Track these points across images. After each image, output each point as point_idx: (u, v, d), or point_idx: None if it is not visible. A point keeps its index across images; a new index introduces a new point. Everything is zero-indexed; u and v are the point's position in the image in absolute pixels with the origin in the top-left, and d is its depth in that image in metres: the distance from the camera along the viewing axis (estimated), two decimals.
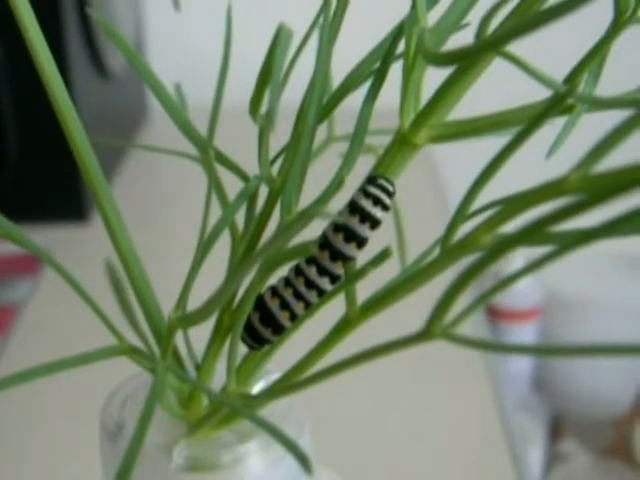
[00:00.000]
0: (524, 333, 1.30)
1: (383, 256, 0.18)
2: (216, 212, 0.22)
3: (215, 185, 0.23)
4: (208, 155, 0.21)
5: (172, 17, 1.09)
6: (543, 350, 0.14)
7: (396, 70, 0.21)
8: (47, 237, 0.78)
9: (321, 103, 0.20)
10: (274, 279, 0.22)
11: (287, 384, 0.19)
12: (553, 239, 0.15)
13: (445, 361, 0.62)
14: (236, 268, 0.21)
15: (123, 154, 0.94)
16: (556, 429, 1.36)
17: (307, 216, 0.15)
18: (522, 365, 1.32)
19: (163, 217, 0.87)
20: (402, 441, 0.53)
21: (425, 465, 0.51)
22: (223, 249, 0.23)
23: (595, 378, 1.35)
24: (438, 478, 0.51)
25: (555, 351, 0.14)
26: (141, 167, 0.94)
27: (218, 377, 0.24)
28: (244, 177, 0.22)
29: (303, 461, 0.14)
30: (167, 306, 0.23)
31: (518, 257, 1.19)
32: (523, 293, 1.27)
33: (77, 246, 0.79)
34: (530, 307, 1.29)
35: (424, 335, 0.15)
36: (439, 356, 0.62)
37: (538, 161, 0.21)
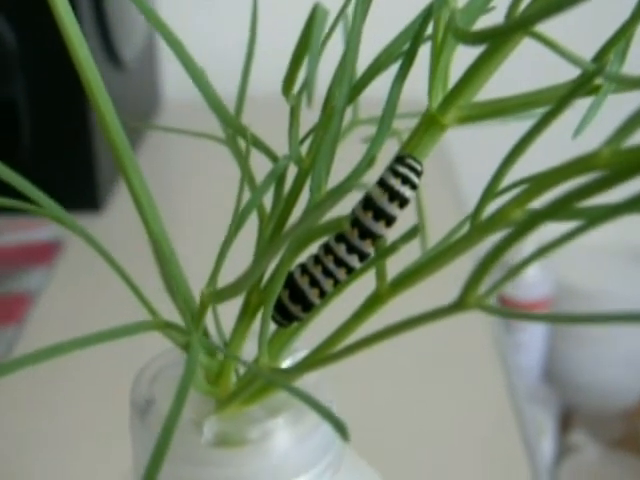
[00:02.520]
0: (536, 325, 1.31)
1: (413, 233, 0.18)
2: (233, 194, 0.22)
3: (244, 165, 0.24)
4: (242, 135, 0.22)
5: (185, 6, 1.10)
6: (560, 318, 0.14)
7: (421, 57, 0.22)
8: (60, 227, 0.79)
9: (351, 84, 0.20)
10: (302, 257, 0.22)
11: (319, 357, 0.20)
12: (581, 214, 0.15)
13: (459, 352, 0.63)
14: (268, 245, 0.21)
15: (136, 143, 0.95)
16: (566, 421, 1.36)
17: (343, 190, 0.16)
18: (533, 357, 1.33)
19: (176, 204, 0.88)
20: (418, 429, 0.54)
21: (439, 454, 0.52)
22: (246, 228, 0.24)
23: (605, 371, 1.36)
24: (453, 466, 0.52)
25: (572, 319, 0.14)
26: (153, 156, 0.94)
27: (245, 357, 0.24)
28: (273, 157, 0.22)
29: (340, 428, 0.15)
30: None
31: (529, 245, 1.20)
32: (534, 285, 1.28)
33: (92, 235, 0.79)
34: (541, 298, 1.29)
35: (459, 306, 0.16)
36: (453, 348, 0.63)
37: (561, 142, 0.22)
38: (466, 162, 0.91)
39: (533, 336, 1.32)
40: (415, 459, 0.51)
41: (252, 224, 0.23)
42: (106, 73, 0.84)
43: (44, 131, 0.79)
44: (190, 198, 0.88)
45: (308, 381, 0.23)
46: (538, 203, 0.16)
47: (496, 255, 0.15)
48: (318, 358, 0.20)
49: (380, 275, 0.19)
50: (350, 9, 0.21)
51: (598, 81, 0.18)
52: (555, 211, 0.14)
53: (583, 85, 0.16)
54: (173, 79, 1.10)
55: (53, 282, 0.71)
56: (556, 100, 0.17)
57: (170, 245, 0.22)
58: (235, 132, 0.24)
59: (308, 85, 0.17)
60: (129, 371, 0.26)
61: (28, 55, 0.76)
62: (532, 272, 1.28)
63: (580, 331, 1.35)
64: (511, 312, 0.15)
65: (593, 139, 0.21)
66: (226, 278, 0.21)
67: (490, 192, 0.17)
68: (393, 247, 0.19)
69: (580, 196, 0.14)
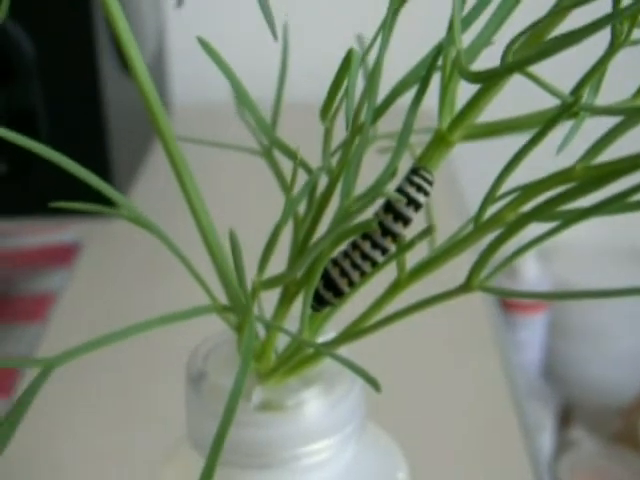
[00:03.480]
0: (535, 323, 1.33)
1: (427, 231, 0.23)
2: (263, 201, 0.26)
3: (279, 174, 0.28)
4: (279, 148, 0.26)
5: (193, 13, 1.13)
6: (561, 295, 0.19)
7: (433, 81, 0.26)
8: (79, 230, 0.83)
9: (375, 106, 0.24)
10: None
11: (352, 332, 0.24)
12: (560, 215, 0.20)
13: (461, 351, 0.66)
14: (303, 245, 0.26)
15: (147, 148, 0.98)
16: (565, 417, 1.38)
17: (371, 196, 0.20)
18: (533, 355, 1.35)
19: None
20: (419, 425, 0.56)
21: (441, 448, 0.55)
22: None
23: (603, 368, 1.38)
24: (455, 459, 0.54)
25: (571, 295, 0.18)
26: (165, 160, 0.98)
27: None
28: (308, 169, 0.27)
29: (373, 383, 0.19)
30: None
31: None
32: (533, 285, 1.30)
33: (108, 236, 0.83)
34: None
35: (465, 288, 0.20)
36: (455, 346, 0.66)
37: (548, 156, 0.26)
38: (469, 172, 0.96)
39: (533, 334, 1.34)
40: (416, 454, 0.53)
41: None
42: (119, 80, 0.87)
43: (61, 135, 0.82)
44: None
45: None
46: (528, 207, 0.21)
47: (495, 247, 0.19)
48: (352, 332, 0.24)
49: (400, 266, 0.24)
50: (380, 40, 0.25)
51: (576, 109, 0.22)
52: (539, 213, 0.18)
53: (562, 114, 0.20)
54: (180, 85, 1.14)
55: (73, 282, 0.75)
56: (543, 123, 0.21)
57: (217, 238, 0.27)
58: (272, 145, 0.29)
59: (347, 116, 0.21)
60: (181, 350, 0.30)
61: (45, 63, 0.80)
62: (532, 272, 1.30)
63: (579, 329, 1.37)
64: (510, 292, 0.20)
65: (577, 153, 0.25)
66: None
67: (490, 198, 0.22)
68: (411, 243, 0.23)
69: (558, 202, 0.18)
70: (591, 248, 1.34)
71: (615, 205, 0.17)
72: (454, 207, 0.86)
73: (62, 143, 0.83)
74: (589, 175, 0.18)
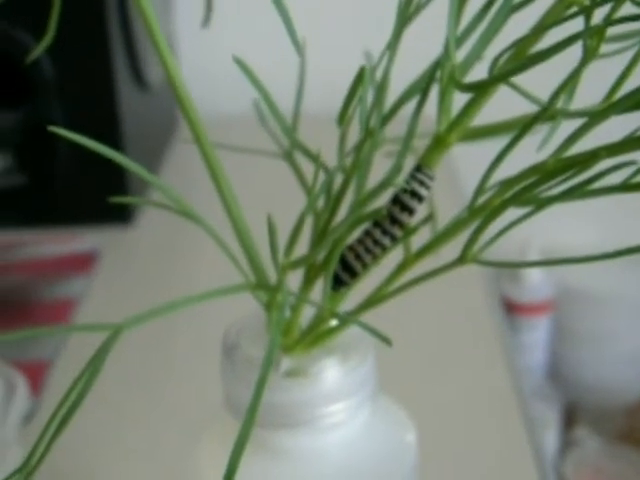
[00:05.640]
0: (540, 326, 1.37)
1: (427, 219, 0.27)
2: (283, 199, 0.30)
3: (299, 174, 0.32)
4: (301, 150, 0.30)
5: (202, 29, 1.17)
6: (553, 262, 0.23)
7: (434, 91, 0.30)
8: (97, 239, 0.87)
9: (383, 114, 0.29)
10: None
11: (369, 303, 0.29)
12: (532, 201, 0.24)
13: (468, 354, 0.69)
14: (323, 232, 0.30)
15: (160, 161, 1.03)
16: (570, 416, 1.41)
17: (381, 188, 0.24)
18: (538, 357, 1.39)
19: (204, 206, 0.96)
20: (429, 424, 0.57)
21: (448, 448, 0.57)
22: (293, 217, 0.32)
23: (607, 369, 1.42)
24: (461, 458, 0.57)
25: (561, 262, 0.22)
26: (179, 167, 1.03)
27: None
28: (325, 168, 0.31)
29: (384, 339, 0.23)
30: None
31: (533, 250, 1.27)
32: (537, 287, 1.34)
33: (125, 244, 0.87)
34: (544, 300, 1.35)
35: (460, 260, 0.24)
36: (463, 349, 0.69)
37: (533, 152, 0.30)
38: (466, 169, 1.01)
39: (538, 337, 1.37)
40: (424, 453, 0.56)
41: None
42: (135, 94, 0.92)
43: (79, 150, 0.85)
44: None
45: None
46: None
47: (483, 226, 0.24)
48: (368, 303, 0.29)
49: (407, 248, 0.28)
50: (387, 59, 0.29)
51: (553, 112, 0.26)
52: (516, 199, 0.23)
53: (537, 118, 0.24)
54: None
55: (93, 288, 0.79)
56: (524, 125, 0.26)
57: (245, 224, 0.31)
58: (293, 148, 0.33)
59: (361, 121, 0.25)
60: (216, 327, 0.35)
61: (64, 81, 0.84)
62: (535, 276, 1.34)
63: (582, 332, 1.39)
64: (503, 263, 0.24)
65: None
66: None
67: (481, 189, 0.26)
68: (414, 228, 0.27)
69: (530, 188, 0.22)
70: (592, 252, 1.37)
71: (576, 192, 0.22)
72: (454, 199, 0.91)
73: (80, 158, 0.87)
74: (559, 167, 0.23)
